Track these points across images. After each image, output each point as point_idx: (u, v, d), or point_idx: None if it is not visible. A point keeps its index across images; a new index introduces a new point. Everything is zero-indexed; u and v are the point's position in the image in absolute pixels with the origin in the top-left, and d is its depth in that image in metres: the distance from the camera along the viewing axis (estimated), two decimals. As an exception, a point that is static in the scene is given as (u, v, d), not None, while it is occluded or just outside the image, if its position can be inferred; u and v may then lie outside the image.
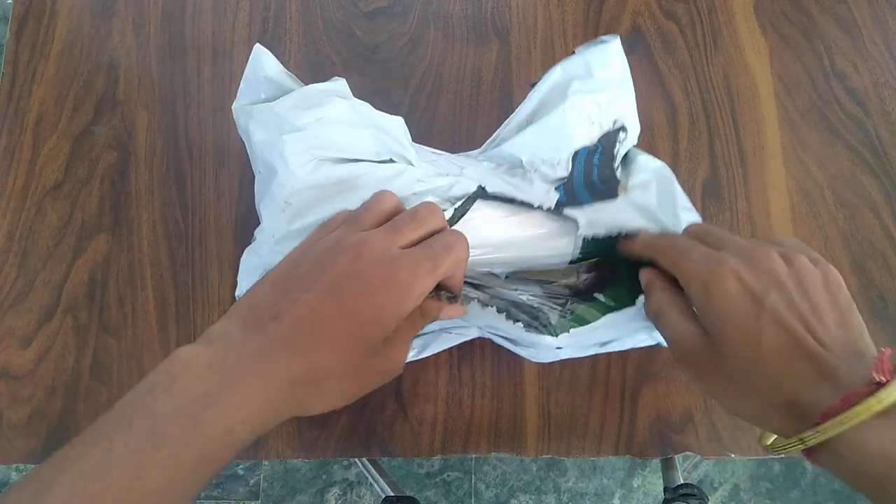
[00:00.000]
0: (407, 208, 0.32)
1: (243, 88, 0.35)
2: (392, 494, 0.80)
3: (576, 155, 0.36)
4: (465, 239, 0.30)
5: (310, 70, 0.49)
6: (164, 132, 0.47)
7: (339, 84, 0.34)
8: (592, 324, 0.34)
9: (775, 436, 0.30)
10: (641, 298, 0.34)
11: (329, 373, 0.27)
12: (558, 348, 0.35)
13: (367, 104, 0.34)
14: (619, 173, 0.38)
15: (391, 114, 0.35)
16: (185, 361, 0.25)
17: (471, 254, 0.32)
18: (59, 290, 0.44)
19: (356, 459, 1.04)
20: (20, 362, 0.43)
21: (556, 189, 0.36)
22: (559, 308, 0.36)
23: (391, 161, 0.34)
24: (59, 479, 0.22)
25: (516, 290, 0.37)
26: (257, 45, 0.34)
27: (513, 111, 0.39)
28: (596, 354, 0.41)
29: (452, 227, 0.33)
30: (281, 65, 0.34)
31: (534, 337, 0.34)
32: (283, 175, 0.33)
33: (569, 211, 0.36)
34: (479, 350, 0.43)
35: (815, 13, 0.51)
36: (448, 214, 0.34)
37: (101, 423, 0.24)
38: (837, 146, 0.48)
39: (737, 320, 0.27)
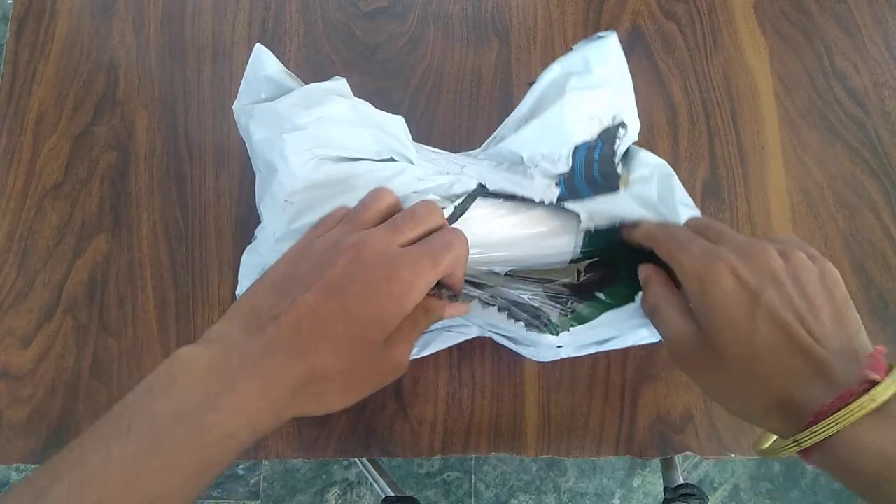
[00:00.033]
0: (406, 206, 0.32)
1: (244, 88, 0.35)
2: (392, 494, 0.80)
3: (576, 150, 0.36)
4: (465, 236, 0.30)
5: (310, 70, 0.49)
6: (164, 132, 0.47)
7: (340, 83, 0.34)
8: (592, 321, 0.34)
9: (770, 441, 0.30)
10: (640, 295, 0.34)
11: (329, 373, 0.27)
12: (559, 347, 0.35)
13: (368, 103, 0.34)
14: (619, 169, 0.38)
15: (391, 114, 0.35)
16: (185, 362, 0.25)
17: (471, 252, 0.32)
18: (59, 290, 0.44)
19: (356, 459, 1.04)
20: (20, 362, 0.43)
21: (556, 184, 0.36)
22: (560, 307, 0.36)
23: (391, 160, 0.34)
24: (55, 486, 0.22)
25: (517, 289, 0.37)
26: (258, 45, 0.34)
27: (513, 111, 0.39)
28: (596, 354, 0.41)
29: (452, 226, 0.33)
30: (281, 64, 0.34)
31: (534, 336, 0.34)
32: (284, 174, 0.33)
33: (570, 205, 0.36)
34: (479, 350, 0.43)
35: (815, 13, 0.51)
36: (448, 212, 0.34)
37: (99, 426, 0.24)
38: (837, 146, 0.48)
39: (732, 316, 0.27)
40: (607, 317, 0.34)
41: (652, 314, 0.32)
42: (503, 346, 0.41)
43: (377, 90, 0.49)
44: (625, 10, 0.51)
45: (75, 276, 0.44)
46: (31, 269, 0.45)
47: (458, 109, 0.48)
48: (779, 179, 0.48)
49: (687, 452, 0.43)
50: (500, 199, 0.36)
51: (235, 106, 0.35)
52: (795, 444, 0.25)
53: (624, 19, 0.51)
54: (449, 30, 0.50)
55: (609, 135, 0.36)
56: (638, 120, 0.38)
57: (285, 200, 0.33)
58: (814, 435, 0.24)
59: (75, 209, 0.46)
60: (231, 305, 0.29)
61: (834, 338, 0.26)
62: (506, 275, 0.38)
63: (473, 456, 0.50)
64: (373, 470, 0.86)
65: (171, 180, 0.46)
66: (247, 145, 0.36)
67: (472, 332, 0.40)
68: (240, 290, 0.41)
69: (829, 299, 0.27)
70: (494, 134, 0.40)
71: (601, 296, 0.36)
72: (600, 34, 0.36)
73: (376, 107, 0.35)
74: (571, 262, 0.38)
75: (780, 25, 0.51)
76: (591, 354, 0.41)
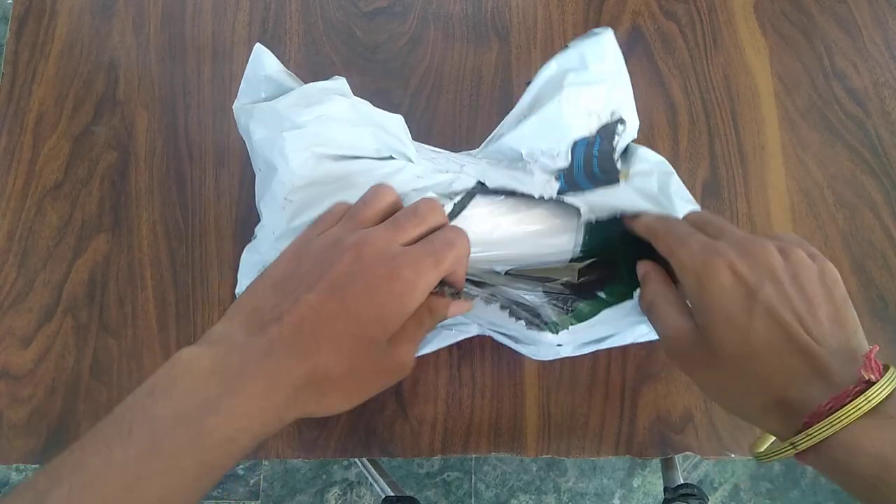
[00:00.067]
0: (406, 204, 0.32)
1: (244, 88, 0.35)
2: (392, 494, 0.80)
3: (574, 145, 0.36)
4: (466, 234, 0.30)
5: (310, 70, 0.49)
6: (164, 132, 0.47)
7: (340, 82, 0.34)
8: (592, 319, 0.34)
9: (767, 444, 0.30)
10: (639, 292, 0.34)
11: (330, 373, 0.26)
12: (559, 345, 0.35)
13: (367, 102, 0.34)
14: (619, 165, 0.38)
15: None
16: (186, 364, 0.25)
17: (471, 251, 0.32)
18: (59, 290, 0.44)
19: (356, 459, 1.03)
20: (20, 362, 0.43)
21: (556, 179, 0.36)
22: (560, 306, 0.36)
23: (391, 158, 0.34)
24: (55, 488, 0.22)
25: (517, 288, 0.37)
26: (258, 45, 0.34)
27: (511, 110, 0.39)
28: (596, 353, 0.41)
29: (452, 223, 0.33)
30: (281, 64, 0.34)
31: (535, 334, 0.34)
32: (284, 172, 0.33)
33: (570, 199, 0.36)
34: (479, 350, 0.43)
35: (815, 13, 0.51)
36: (447, 209, 0.34)
37: (100, 428, 0.24)
38: (837, 146, 0.48)
39: (729, 312, 0.27)
40: (606, 314, 0.35)
41: (648, 310, 0.32)
42: (503, 345, 0.41)
43: (377, 90, 0.49)
44: (625, 10, 0.51)
45: (75, 276, 0.44)
46: (31, 269, 0.45)
47: (458, 109, 0.48)
48: (779, 179, 0.48)
49: (687, 452, 0.43)
50: (500, 198, 0.36)
51: (235, 105, 0.35)
52: (792, 447, 0.25)
53: (624, 19, 0.51)
54: (449, 30, 0.50)
55: (608, 131, 0.37)
56: (637, 117, 0.38)
57: (285, 198, 0.33)
58: (809, 438, 0.24)
59: (75, 209, 0.46)
60: (231, 304, 0.29)
61: (832, 337, 0.26)
62: (506, 274, 0.38)
63: (473, 456, 0.50)
64: (373, 470, 0.86)
65: (171, 180, 0.46)
66: (247, 145, 0.36)
67: (472, 331, 0.40)
68: (239, 289, 0.41)
69: (827, 298, 0.27)
70: (493, 133, 0.40)
71: (602, 294, 0.36)
72: (595, 30, 0.36)
73: (376, 107, 0.35)
74: (571, 261, 0.38)
75: (780, 25, 0.51)
76: (590, 354, 0.41)
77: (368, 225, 0.30)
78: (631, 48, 0.50)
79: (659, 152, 0.40)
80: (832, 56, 0.50)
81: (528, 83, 0.37)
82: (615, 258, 0.37)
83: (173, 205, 0.46)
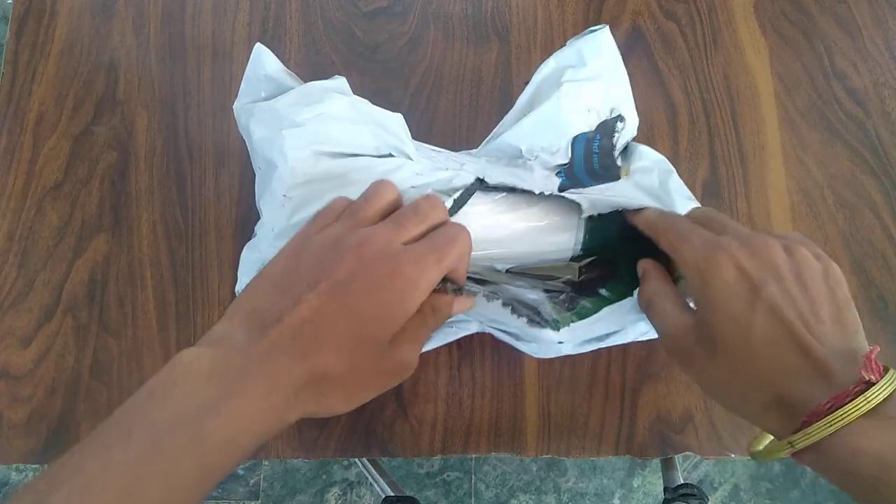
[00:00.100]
0: (406, 201, 0.31)
1: (244, 87, 0.35)
2: (392, 494, 0.80)
3: (574, 140, 0.36)
4: (468, 231, 0.30)
5: (310, 70, 0.49)
6: (164, 132, 0.47)
7: (339, 81, 0.34)
8: (592, 317, 0.34)
9: (765, 443, 0.30)
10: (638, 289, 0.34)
11: (330, 373, 0.26)
12: (560, 343, 0.35)
13: (367, 101, 0.34)
14: (619, 162, 0.38)
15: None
16: (186, 365, 0.25)
17: (472, 249, 0.32)
18: (59, 290, 0.44)
19: (356, 459, 1.03)
20: (20, 362, 0.43)
21: (556, 175, 0.36)
22: (561, 304, 0.36)
23: (390, 156, 0.34)
24: (55, 492, 0.22)
25: (518, 286, 0.37)
26: (258, 44, 0.34)
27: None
28: (596, 353, 0.41)
29: (453, 220, 0.33)
30: (281, 64, 0.34)
31: (536, 332, 0.34)
32: (283, 170, 0.33)
33: (571, 194, 0.36)
34: (479, 350, 0.43)
35: (815, 13, 0.51)
36: (447, 206, 0.34)
37: (100, 431, 0.23)
38: (837, 146, 0.48)
39: (731, 309, 0.27)
40: (608, 311, 0.34)
41: (647, 307, 0.32)
42: (503, 345, 0.40)
43: (377, 90, 0.48)
44: (625, 10, 0.51)
45: (75, 276, 0.44)
46: (31, 269, 0.44)
47: (458, 109, 0.48)
48: (779, 179, 0.48)
49: (687, 452, 0.43)
50: (500, 195, 0.36)
51: (236, 105, 0.35)
52: (789, 446, 0.25)
53: (624, 19, 0.51)
54: (449, 30, 0.50)
55: (607, 127, 0.37)
56: (636, 114, 0.38)
57: (284, 196, 0.33)
58: (807, 437, 0.24)
59: (75, 209, 0.46)
60: (231, 303, 0.29)
61: (833, 337, 0.25)
62: (507, 272, 0.38)
63: (473, 456, 0.50)
64: (373, 470, 0.86)
65: (171, 180, 0.46)
66: (247, 144, 0.36)
67: (472, 328, 0.40)
68: (239, 287, 0.41)
69: (830, 298, 0.27)
70: (493, 132, 0.40)
71: (603, 292, 0.36)
72: (593, 28, 0.37)
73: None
74: (572, 259, 0.38)
75: (780, 25, 0.51)
76: (590, 354, 0.41)
77: (369, 223, 0.29)
78: (631, 48, 0.50)
79: (659, 152, 0.40)
80: (832, 56, 0.50)
81: (527, 83, 0.37)
82: (616, 256, 0.37)
83: (173, 205, 0.46)
